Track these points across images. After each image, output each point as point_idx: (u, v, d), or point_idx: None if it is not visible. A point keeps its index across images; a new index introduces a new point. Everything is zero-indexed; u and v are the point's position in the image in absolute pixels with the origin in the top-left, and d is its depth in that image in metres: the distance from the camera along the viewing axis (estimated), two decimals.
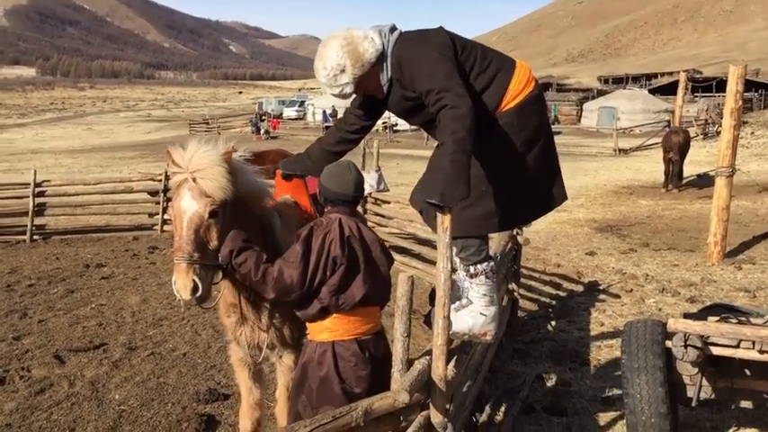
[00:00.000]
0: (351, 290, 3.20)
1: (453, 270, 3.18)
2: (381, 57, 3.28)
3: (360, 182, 3.37)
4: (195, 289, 3.11)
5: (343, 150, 3.79)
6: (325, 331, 3.26)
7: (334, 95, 3.40)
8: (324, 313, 3.23)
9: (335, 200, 3.33)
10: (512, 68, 3.42)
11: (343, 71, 3.25)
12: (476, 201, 3.32)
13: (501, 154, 3.38)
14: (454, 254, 3.42)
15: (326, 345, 3.26)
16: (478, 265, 3.49)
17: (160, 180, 13.05)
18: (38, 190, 12.82)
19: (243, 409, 3.99)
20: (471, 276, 3.50)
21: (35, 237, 12.67)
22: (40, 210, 12.87)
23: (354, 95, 3.49)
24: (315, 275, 3.15)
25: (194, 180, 3.15)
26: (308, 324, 3.34)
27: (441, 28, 3.40)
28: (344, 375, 3.23)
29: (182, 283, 3.10)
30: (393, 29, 3.34)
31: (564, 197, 3.70)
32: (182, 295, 3.12)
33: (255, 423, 3.95)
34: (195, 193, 3.15)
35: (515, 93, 3.37)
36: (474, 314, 3.48)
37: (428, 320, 3.44)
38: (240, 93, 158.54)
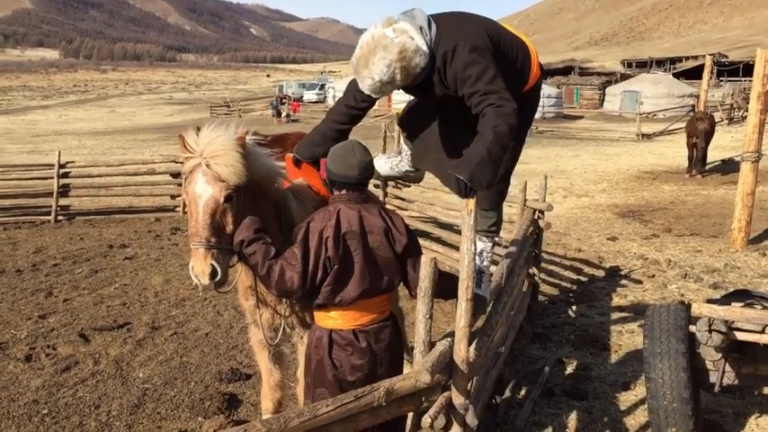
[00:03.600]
0: (347, 289, 3.14)
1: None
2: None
3: (365, 163, 3.23)
4: (214, 274, 3.12)
5: (351, 128, 3.75)
6: (326, 319, 3.24)
7: (373, 95, 3.33)
8: (323, 308, 3.21)
9: (340, 183, 3.24)
10: (529, 52, 3.59)
11: (390, 82, 3.18)
12: (503, 176, 3.74)
13: (519, 131, 3.56)
14: (487, 227, 3.88)
15: (324, 331, 3.24)
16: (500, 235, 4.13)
17: (182, 162, 13.08)
18: (62, 171, 12.93)
19: (264, 390, 4.03)
20: (495, 246, 3.96)
21: (60, 217, 12.81)
22: (64, 191, 12.99)
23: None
24: (315, 275, 3.10)
25: (208, 165, 3.16)
26: (313, 310, 3.33)
27: (476, 24, 3.39)
28: (338, 363, 3.20)
29: (200, 268, 3.11)
30: (429, 22, 3.25)
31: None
32: (200, 280, 3.13)
33: (277, 404, 3.99)
34: (210, 178, 3.16)
35: (534, 75, 3.63)
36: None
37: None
38: (268, 76, 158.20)
